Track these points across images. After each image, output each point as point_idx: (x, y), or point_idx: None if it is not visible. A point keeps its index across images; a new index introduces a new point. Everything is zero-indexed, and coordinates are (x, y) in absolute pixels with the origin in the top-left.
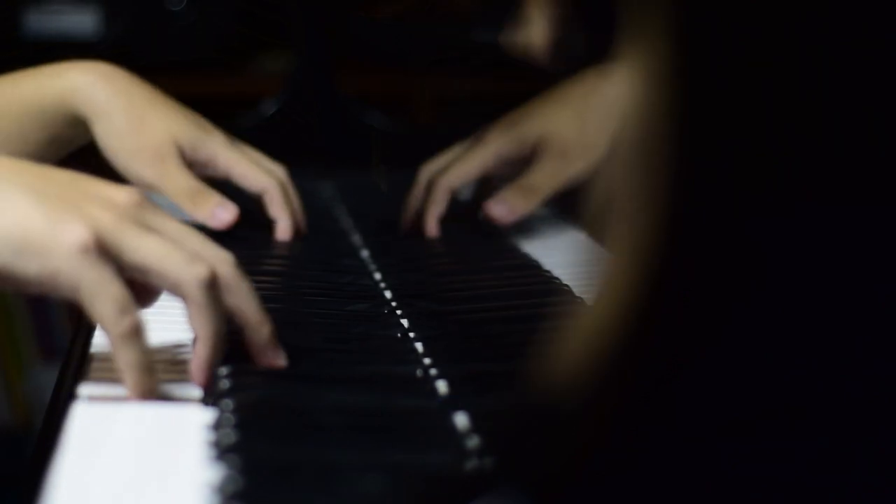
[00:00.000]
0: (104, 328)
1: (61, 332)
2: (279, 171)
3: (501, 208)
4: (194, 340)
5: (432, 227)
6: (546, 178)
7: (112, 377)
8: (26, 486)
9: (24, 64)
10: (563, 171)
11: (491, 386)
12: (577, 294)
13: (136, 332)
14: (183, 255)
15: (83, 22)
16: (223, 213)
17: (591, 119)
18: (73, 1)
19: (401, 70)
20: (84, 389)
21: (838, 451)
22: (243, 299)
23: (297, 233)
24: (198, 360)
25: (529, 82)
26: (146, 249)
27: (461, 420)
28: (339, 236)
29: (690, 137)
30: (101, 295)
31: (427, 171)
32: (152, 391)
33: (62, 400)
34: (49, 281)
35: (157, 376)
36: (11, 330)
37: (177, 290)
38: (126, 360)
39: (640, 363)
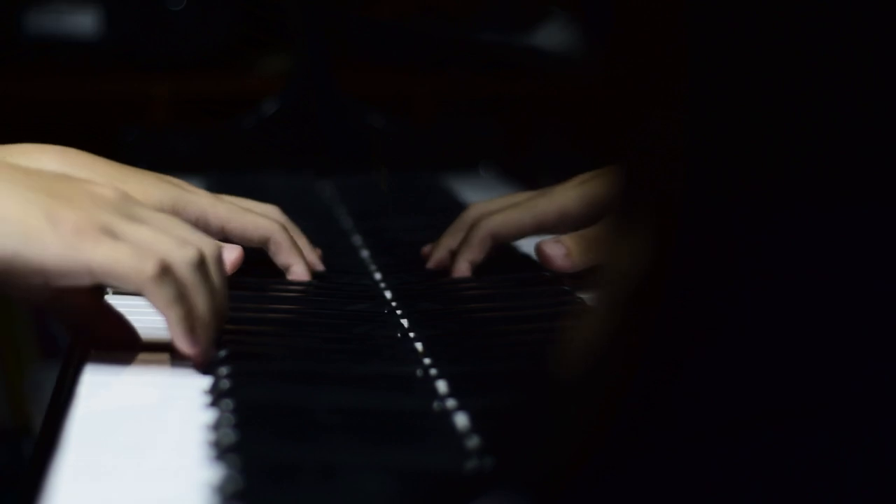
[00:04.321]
0: (135, 286)
1: (61, 331)
2: (274, 212)
3: (559, 249)
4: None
5: (462, 269)
6: None
7: (111, 375)
8: (26, 486)
9: (24, 64)
10: None
11: (491, 386)
12: (577, 294)
13: (165, 271)
14: (172, 239)
15: (83, 22)
16: (226, 255)
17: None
18: (73, 1)
19: (401, 70)
20: (84, 388)
21: (838, 450)
22: (203, 287)
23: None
24: (204, 344)
25: (529, 82)
26: (137, 233)
27: (461, 420)
28: (339, 236)
29: (690, 141)
30: (113, 257)
31: (474, 209)
32: (197, 330)
33: (62, 400)
34: (55, 267)
35: (201, 316)
36: (11, 330)
37: (171, 271)
38: (164, 299)
39: (639, 363)
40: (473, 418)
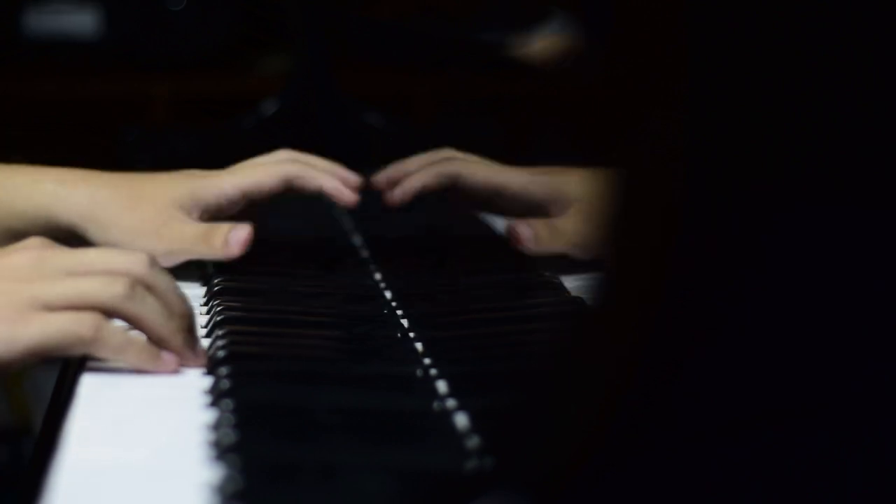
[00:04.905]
0: (81, 351)
1: None
2: (282, 154)
3: (528, 231)
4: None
5: (406, 190)
6: (577, 233)
7: (111, 375)
8: (26, 486)
9: (24, 64)
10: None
11: (491, 386)
12: (577, 294)
13: (99, 328)
14: (99, 280)
15: (83, 22)
16: (237, 233)
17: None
18: (73, 1)
19: (401, 70)
20: (84, 389)
21: (838, 451)
22: (148, 309)
23: (357, 185)
24: (179, 352)
25: (529, 82)
26: (62, 292)
27: (461, 420)
28: (339, 236)
29: (690, 141)
30: (48, 334)
31: (447, 151)
32: (155, 356)
33: (62, 400)
34: None
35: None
36: None
37: (111, 314)
38: (112, 351)
39: (639, 363)
40: (473, 418)
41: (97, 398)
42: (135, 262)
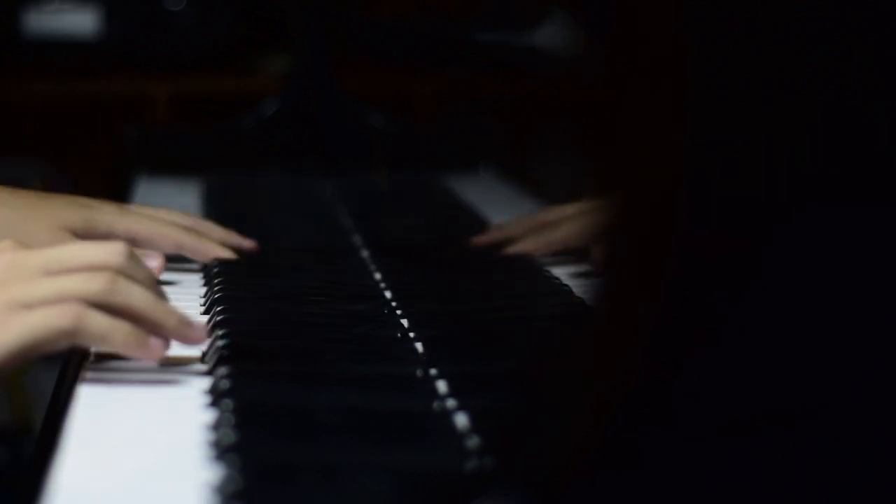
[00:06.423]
0: (66, 344)
1: None
2: (180, 217)
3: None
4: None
5: (527, 248)
6: (574, 226)
7: (111, 375)
8: (26, 486)
9: (24, 64)
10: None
11: (491, 386)
12: (578, 294)
13: (80, 317)
14: (78, 277)
15: (83, 22)
16: (149, 261)
17: None
18: (73, 1)
19: (401, 70)
20: (84, 389)
21: (838, 451)
22: (136, 297)
23: (247, 247)
24: (178, 329)
25: (529, 82)
26: (41, 292)
27: (461, 420)
28: (339, 236)
29: (690, 142)
30: (28, 332)
31: (553, 212)
32: (143, 340)
33: (62, 400)
34: None
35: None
36: None
37: (89, 315)
38: (97, 337)
39: (640, 363)
40: (473, 418)
41: (97, 398)
42: (113, 254)
